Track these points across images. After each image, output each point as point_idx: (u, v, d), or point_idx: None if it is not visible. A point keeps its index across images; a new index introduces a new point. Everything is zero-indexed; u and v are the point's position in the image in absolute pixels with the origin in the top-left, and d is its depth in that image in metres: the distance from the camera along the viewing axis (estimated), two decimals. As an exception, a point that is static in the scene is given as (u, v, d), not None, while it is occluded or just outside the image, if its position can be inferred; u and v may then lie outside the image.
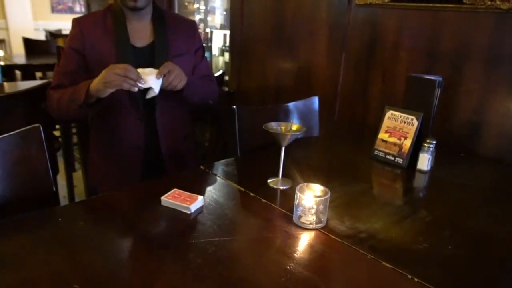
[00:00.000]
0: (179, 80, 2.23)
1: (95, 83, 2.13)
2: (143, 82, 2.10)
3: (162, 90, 2.21)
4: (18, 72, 6.54)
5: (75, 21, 2.39)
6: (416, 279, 1.37)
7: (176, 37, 2.51)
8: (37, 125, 1.94)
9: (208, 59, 5.48)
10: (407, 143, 2.34)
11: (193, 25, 2.66)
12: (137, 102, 2.39)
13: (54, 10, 11.31)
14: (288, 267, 1.39)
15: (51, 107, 2.39)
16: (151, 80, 2.15)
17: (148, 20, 2.47)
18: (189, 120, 2.75)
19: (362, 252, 1.50)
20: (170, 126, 2.54)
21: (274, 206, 1.82)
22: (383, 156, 2.42)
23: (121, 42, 2.34)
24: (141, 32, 2.44)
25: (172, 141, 2.56)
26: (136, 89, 2.10)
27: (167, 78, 2.17)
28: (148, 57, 2.40)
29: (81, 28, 2.36)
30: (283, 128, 1.99)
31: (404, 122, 2.37)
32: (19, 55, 7.62)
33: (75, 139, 4.73)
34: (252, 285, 1.32)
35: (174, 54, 2.44)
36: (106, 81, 2.08)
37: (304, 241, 1.56)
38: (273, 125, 1.98)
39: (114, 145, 2.51)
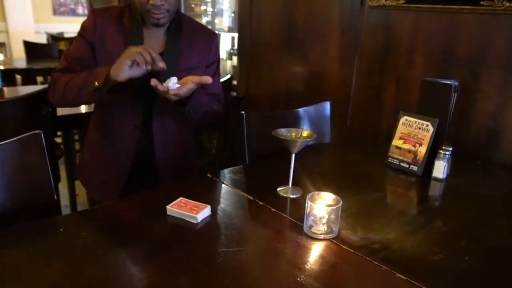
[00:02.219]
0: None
1: (116, 62, 2.09)
2: (161, 65, 2.08)
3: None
4: (18, 77, 6.58)
5: (91, 13, 2.39)
6: (431, 291, 1.37)
7: (190, 50, 2.47)
8: (37, 131, 1.93)
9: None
10: (422, 150, 2.34)
11: (210, 38, 2.59)
12: (137, 108, 2.39)
13: (55, 12, 11.36)
14: (298, 279, 1.39)
15: (56, 91, 2.34)
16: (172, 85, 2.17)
17: (165, 28, 2.45)
18: (190, 137, 2.73)
19: (375, 263, 1.51)
20: (168, 142, 2.52)
21: (284, 215, 1.83)
22: (397, 163, 2.43)
23: (134, 44, 2.33)
24: (155, 39, 2.41)
25: (169, 157, 2.54)
26: (149, 67, 2.07)
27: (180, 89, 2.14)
28: None
29: (95, 20, 2.35)
30: (293, 134, 2.00)
31: (419, 128, 2.38)
32: (19, 59, 7.66)
33: (77, 146, 4.75)
34: (261, 297, 1.33)
35: (183, 67, 2.41)
36: (125, 52, 2.06)
37: (315, 252, 1.57)
38: (283, 132, 1.99)
39: (105, 147, 2.51)
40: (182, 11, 5.48)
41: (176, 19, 2.46)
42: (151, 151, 2.49)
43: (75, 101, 2.33)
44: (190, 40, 2.49)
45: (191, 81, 2.15)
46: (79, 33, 2.41)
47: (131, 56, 2.04)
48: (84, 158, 2.68)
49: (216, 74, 2.62)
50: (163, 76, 2.25)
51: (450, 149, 2.27)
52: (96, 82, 2.12)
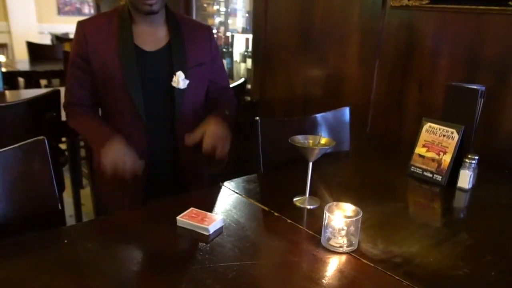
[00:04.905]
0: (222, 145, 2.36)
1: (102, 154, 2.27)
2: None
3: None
4: (21, 80, 6.58)
5: (79, 25, 2.46)
6: (455, 308, 1.37)
7: (193, 45, 2.55)
8: (41, 137, 1.95)
9: (228, 65, 5.50)
10: (446, 159, 2.34)
11: (209, 31, 2.70)
12: (139, 113, 2.43)
13: (60, 12, 11.38)
14: (315, 294, 1.40)
15: (72, 125, 2.54)
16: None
17: (160, 24, 2.51)
18: None
19: (397, 278, 1.51)
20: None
21: (301, 227, 1.83)
22: (420, 172, 2.43)
23: (123, 45, 2.39)
24: (151, 35, 2.48)
25: (190, 154, 2.57)
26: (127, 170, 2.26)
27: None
28: (161, 62, 2.46)
29: (84, 33, 2.42)
30: (310, 141, 2.01)
31: (444, 136, 2.38)
32: (22, 61, 7.69)
33: (82, 152, 4.75)
34: (276, 313, 1.33)
35: (192, 64, 2.49)
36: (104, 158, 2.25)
37: (333, 266, 1.57)
38: (300, 139, 2.00)
39: None
40: (194, 11, 5.51)
41: (170, 14, 2.55)
42: (173, 152, 2.55)
43: None
44: (190, 36, 2.57)
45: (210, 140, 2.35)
46: (72, 52, 2.51)
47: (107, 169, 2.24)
48: (97, 171, 2.68)
49: (222, 67, 2.77)
50: (172, 76, 2.33)
51: (476, 157, 2.26)
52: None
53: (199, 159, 2.62)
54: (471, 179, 2.29)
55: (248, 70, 5.28)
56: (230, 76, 5.53)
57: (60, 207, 2.01)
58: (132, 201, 2.52)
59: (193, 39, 2.55)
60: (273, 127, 2.69)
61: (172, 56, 2.44)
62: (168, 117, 2.49)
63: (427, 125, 2.45)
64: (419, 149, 2.45)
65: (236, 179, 2.32)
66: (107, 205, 2.71)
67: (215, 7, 6.49)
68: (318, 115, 2.91)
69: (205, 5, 6.37)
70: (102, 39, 2.41)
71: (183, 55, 2.47)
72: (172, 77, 2.39)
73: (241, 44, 5.60)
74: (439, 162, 2.36)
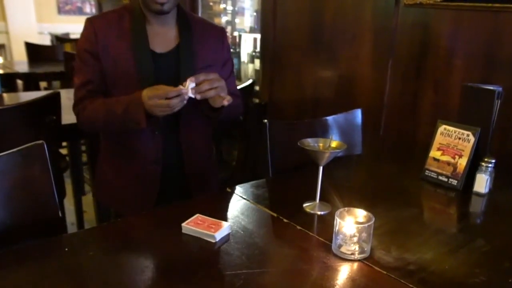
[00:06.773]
0: (216, 92, 2.24)
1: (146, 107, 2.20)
2: (185, 91, 2.15)
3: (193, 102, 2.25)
4: (19, 82, 6.59)
5: (88, 22, 2.44)
6: (471, 317, 1.38)
7: (203, 46, 2.54)
8: (40, 141, 1.94)
9: (236, 66, 5.49)
10: (462, 162, 2.34)
11: (221, 33, 2.69)
12: None
13: (60, 11, 11.40)
14: (326, 302, 1.40)
15: (85, 125, 2.50)
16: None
17: (172, 25, 2.51)
18: (212, 139, 2.77)
19: (411, 286, 1.51)
20: (194, 144, 2.58)
21: (311, 234, 1.84)
22: (435, 176, 2.43)
23: (139, 46, 2.39)
24: (162, 36, 2.48)
25: (196, 159, 2.60)
26: (176, 109, 2.18)
27: (201, 86, 2.19)
28: (170, 64, 2.45)
29: (94, 29, 2.40)
30: (321, 145, 2.02)
31: (459, 139, 2.38)
32: (20, 62, 7.70)
33: (84, 157, 4.77)
34: (285, 322, 1.34)
35: (201, 65, 2.48)
36: (152, 113, 2.20)
37: (344, 274, 1.58)
38: (310, 142, 2.01)
39: (129, 158, 2.55)
40: (200, 9, 5.52)
41: (182, 14, 2.55)
42: (178, 155, 2.55)
43: (108, 130, 2.53)
44: (201, 37, 2.56)
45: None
46: (81, 48, 2.46)
47: (152, 112, 2.18)
48: (104, 178, 2.71)
49: (231, 72, 2.72)
50: (181, 79, 2.31)
51: (493, 161, 2.26)
52: (139, 123, 2.24)
53: (205, 165, 2.65)
54: (488, 183, 2.29)
55: (256, 71, 5.28)
56: (238, 77, 5.52)
57: (60, 214, 2.01)
58: (144, 206, 2.51)
59: (204, 39, 2.55)
60: (282, 130, 2.70)
61: (180, 59, 2.46)
62: (172, 120, 2.48)
63: (442, 128, 2.45)
64: (434, 153, 2.45)
65: (243, 184, 2.32)
66: (117, 211, 2.71)
67: (222, 6, 6.48)
68: (329, 118, 2.91)
69: (211, 3, 6.36)
70: (113, 36, 2.40)
71: (191, 56, 2.46)
72: (179, 79, 2.37)
73: (249, 44, 5.59)
74: (455, 166, 2.37)
